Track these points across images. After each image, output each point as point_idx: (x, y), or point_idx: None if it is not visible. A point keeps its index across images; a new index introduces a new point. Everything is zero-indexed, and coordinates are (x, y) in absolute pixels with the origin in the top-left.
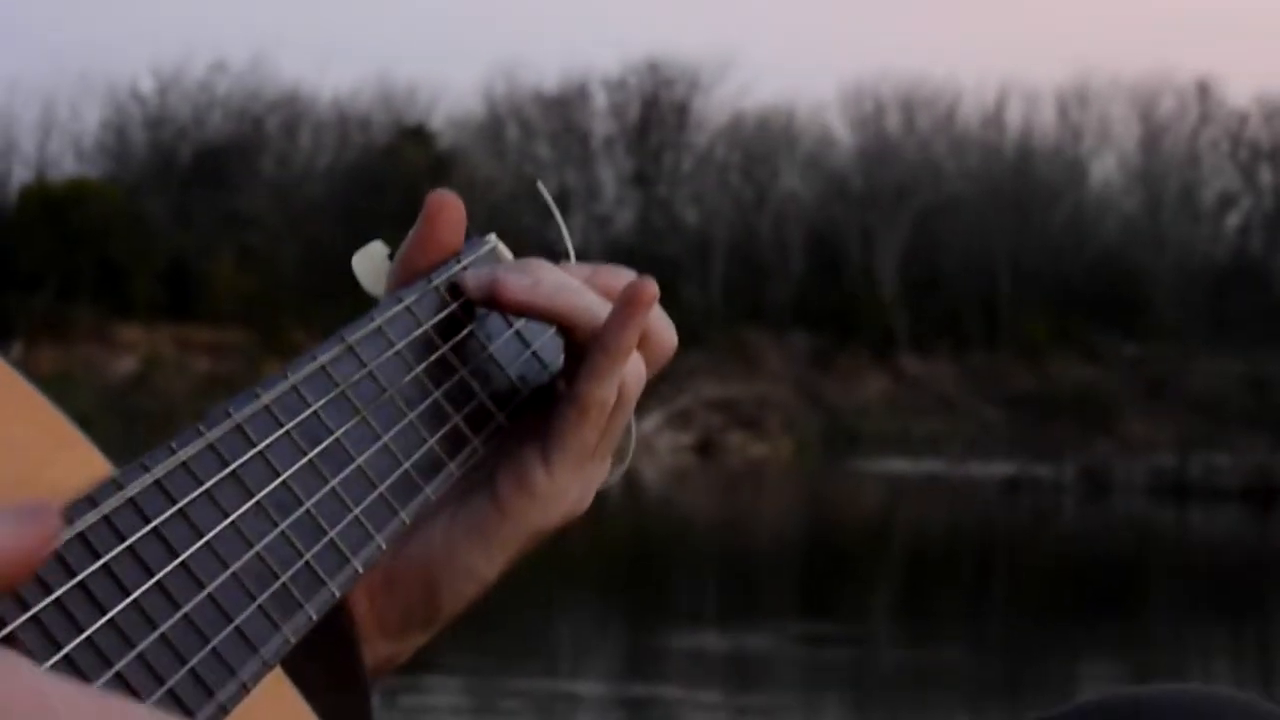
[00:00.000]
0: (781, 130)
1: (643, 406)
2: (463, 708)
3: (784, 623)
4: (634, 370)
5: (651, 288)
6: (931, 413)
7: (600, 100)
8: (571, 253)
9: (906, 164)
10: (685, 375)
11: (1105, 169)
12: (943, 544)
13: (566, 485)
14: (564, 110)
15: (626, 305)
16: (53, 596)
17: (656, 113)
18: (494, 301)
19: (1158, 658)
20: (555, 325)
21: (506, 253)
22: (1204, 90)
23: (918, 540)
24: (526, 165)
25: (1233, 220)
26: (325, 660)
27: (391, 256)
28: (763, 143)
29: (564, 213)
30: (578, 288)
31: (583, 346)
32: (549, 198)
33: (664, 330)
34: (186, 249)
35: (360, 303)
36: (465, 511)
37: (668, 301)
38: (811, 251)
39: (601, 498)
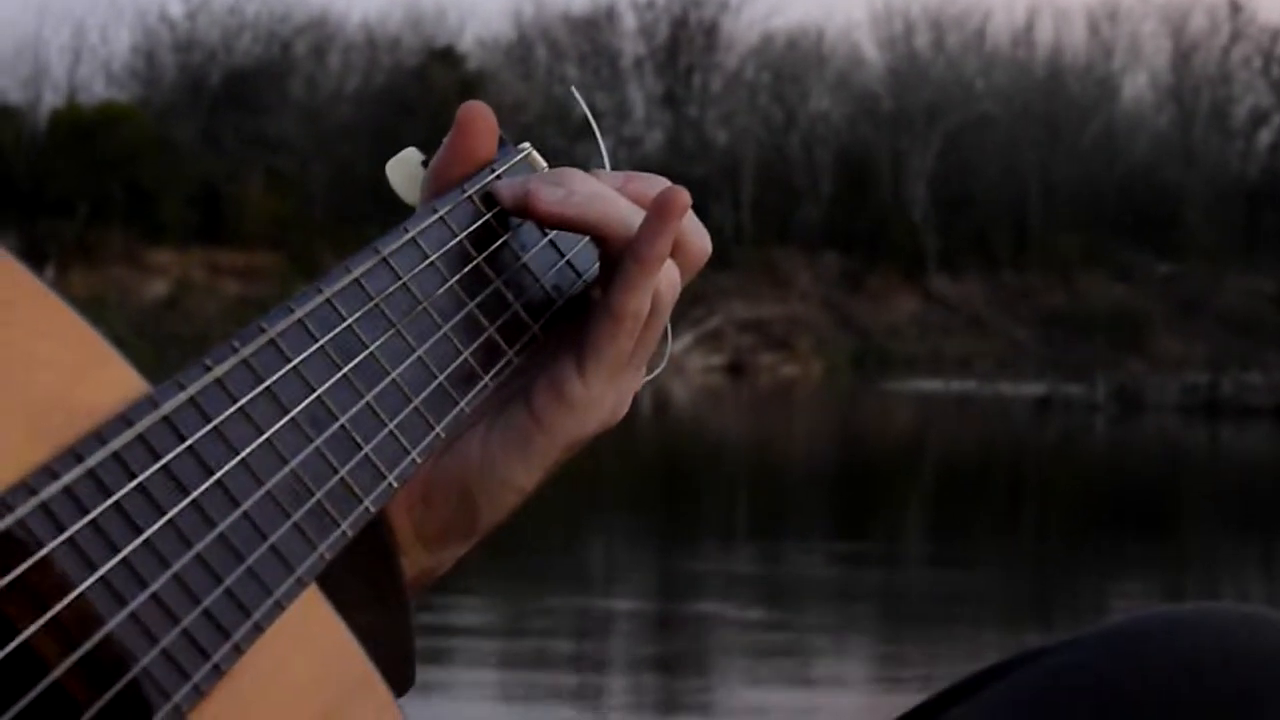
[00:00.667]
0: (811, 50)
1: (673, 327)
2: (493, 627)
3: (814, 542)
4: (668, 279)
5: (684, 196)
6: (962, 332)
7: (629, 21)
8: (606, 159)
9: (936, 83)
10: (716, 296)
11: (1136, 87)
12: (974, 464)
13: (602, 395)
14: (593, 31)
15: (659, 214)
16: (89, 517)
17: (686, 33)
18: (527, 211)
19: (1190, 576)
20: (589, 235)
21: (540, 161)
22: (1235, 7)
23: (949, 460)
24: (555, 87)
25: (1264, 138)
26: (364, 573)
27: (425, 164)
28: (792, 63)
29: (604, 147)
30: (611, 197)
31: (616, 256)
32: (583, 103)
33: (697, 237)
34: (216, 173)
35: (391, 222)
36: (501, 422)
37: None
38: (841, 172)
39: (632, 419)
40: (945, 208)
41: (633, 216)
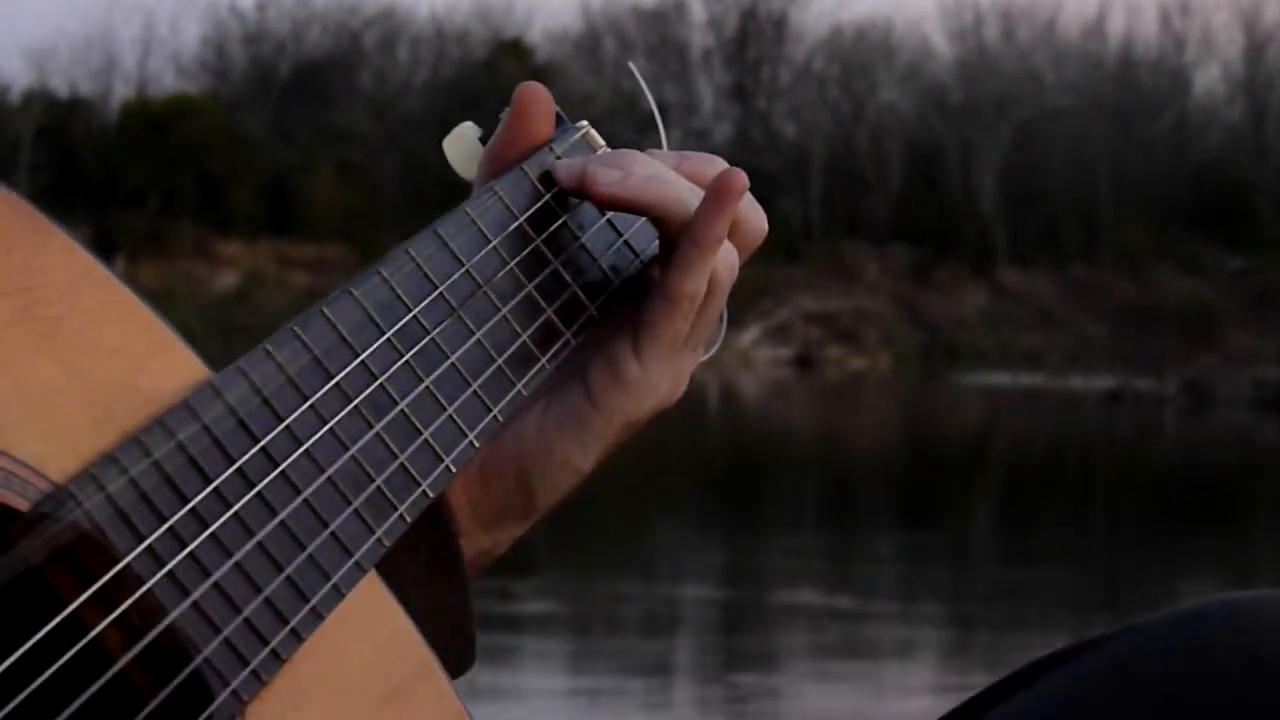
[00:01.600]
0: (880, 43)
1: (741, 320)
2: (562, 616)
3: (883, 534)
4: (725, 260)
5: (741, 178)
6: (1031, 326)
7: (698, 13)
8: (664, 138)
9: (1006, 76)
10: (784, 289)
11: (1208, 79)
12: (1043, 458)
13: (658, 376)
14: (661, 24)
15: (716, 196)
16: (167, 524)
17: (754, 25)
18: (584, 193)
19: (1262, 571)
20: (646, 216)
21: (598, 139)
22: None
23: (1018, 454)
24: (624, 79)
25: None
26: (425, 554)
27: (483, 140)
28: (861, 55)
29: (663, 124)
30: (669, 178)
31: (674, 236)
32: (640, 78)
33: (754, 217)
34: (286, 165)
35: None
36: (558, 403)
37: (766, 215)
38: (910, 165)
39: (701, 411)
40: (1015, 201)
41: (690, 197)
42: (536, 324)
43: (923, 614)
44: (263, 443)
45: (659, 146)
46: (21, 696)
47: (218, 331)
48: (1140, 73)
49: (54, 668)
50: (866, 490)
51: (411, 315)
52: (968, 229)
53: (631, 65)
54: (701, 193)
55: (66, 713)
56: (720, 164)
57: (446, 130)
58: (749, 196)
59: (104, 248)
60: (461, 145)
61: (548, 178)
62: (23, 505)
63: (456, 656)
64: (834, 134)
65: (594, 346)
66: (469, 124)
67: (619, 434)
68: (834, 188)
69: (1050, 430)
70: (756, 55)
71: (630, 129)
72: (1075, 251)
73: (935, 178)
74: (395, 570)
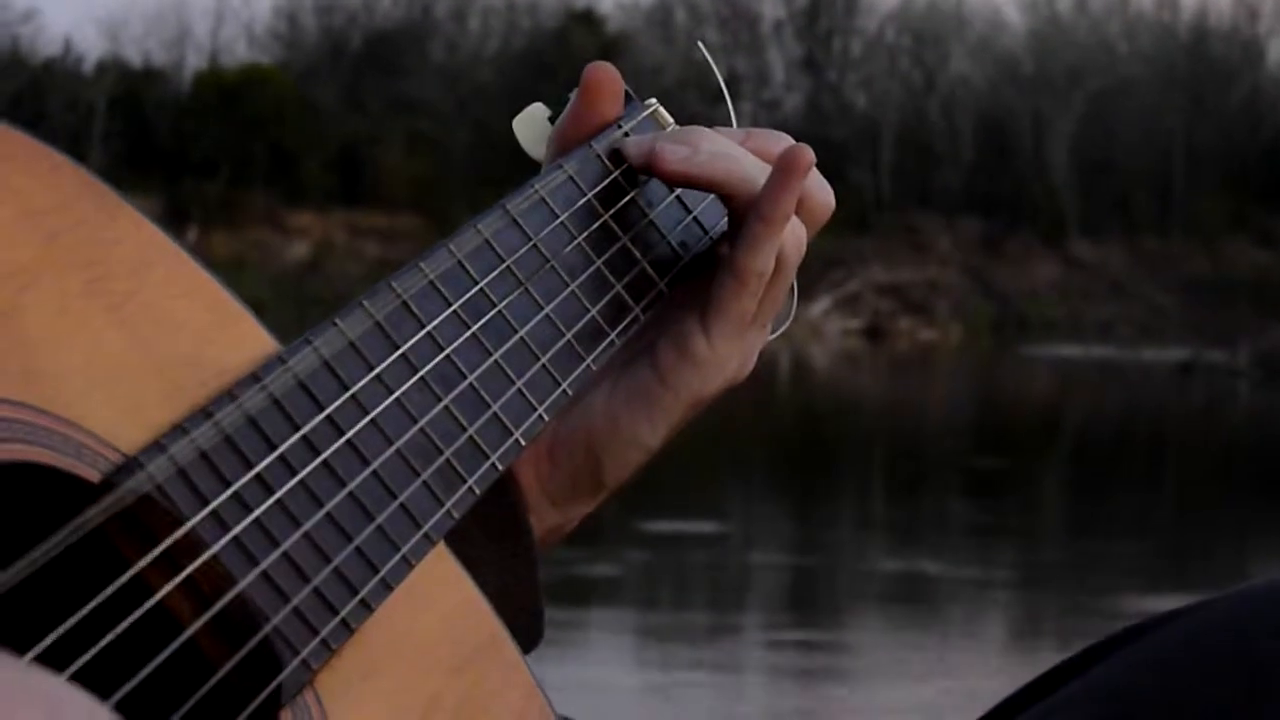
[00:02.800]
0: (952, 14)
1: (812, 291)
2: (629, 581)
3: (953, 505)
4: (793, 236)
5: (807, 155)
6: (1103, 298)
7: None
8: (733, 115)
9: (1078, 46)
10: (855, 260)
11: None
12: (1114, 430)
13: (727, 353)
14: None
15: (782, 174)
16: (231, 489)
17: None
18: (653, 170)
19: None
20: (714, 193)
21: (666, 116)
22: None
23: (1089, 426)
24: (695, 51)
25: None
26: (493, 530)
27: (552, 120)
28: (933, 26)
29: (733, 98)
30: (736, 156)
31: (742, 213)
32: (709, 57)
33: (821, 193)
34: (357, 135)
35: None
36: (626, 380)
37: (836, 187)
38: (982, 136)
39: (772, 382)
40: (1086, 172)
41: (757, 174)
42: (606, 299)
43: (993, 585)
44: (328, 410)
45: (729, 118)
46: (89, 655)
47: (289, 301)
48: (1213, 43)
49: (122, 626)
50: (937, 460)
51: (479, 288)
52: (1039, 200)
53: (700, 44)
54: (769, 169)
55: (139, 677)
56: (787, 140)
57: (517, 101)
58: (816, 173)
59: (176, 218)
60: (531, 126)
61: (617, 155)
62: (94, 477)
63: (525, 633)
64: (905, 105)
65: (662, 324)
66: (539, 104)
67: (687, 411)
68: (905, 159)
69: (1121, 402)
70: (828, 26)
71: (701, 100)
72: (1147, 223)
73: (1007, 149)
74: (464, 547)
